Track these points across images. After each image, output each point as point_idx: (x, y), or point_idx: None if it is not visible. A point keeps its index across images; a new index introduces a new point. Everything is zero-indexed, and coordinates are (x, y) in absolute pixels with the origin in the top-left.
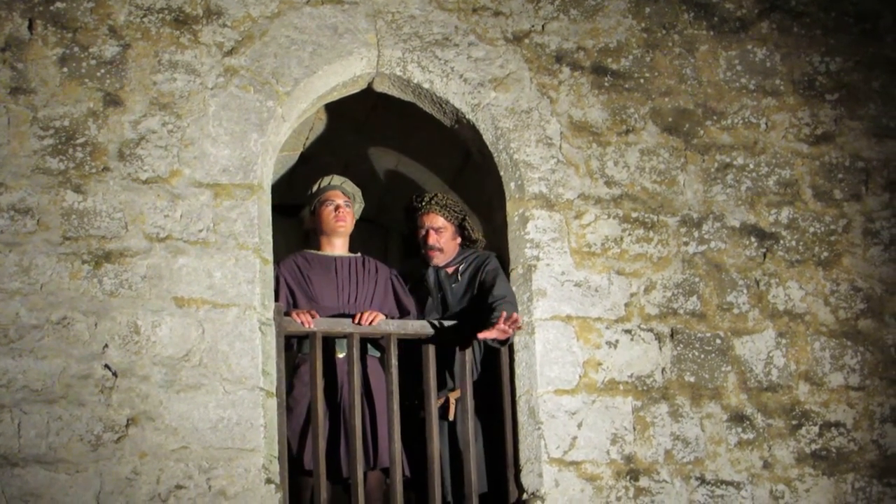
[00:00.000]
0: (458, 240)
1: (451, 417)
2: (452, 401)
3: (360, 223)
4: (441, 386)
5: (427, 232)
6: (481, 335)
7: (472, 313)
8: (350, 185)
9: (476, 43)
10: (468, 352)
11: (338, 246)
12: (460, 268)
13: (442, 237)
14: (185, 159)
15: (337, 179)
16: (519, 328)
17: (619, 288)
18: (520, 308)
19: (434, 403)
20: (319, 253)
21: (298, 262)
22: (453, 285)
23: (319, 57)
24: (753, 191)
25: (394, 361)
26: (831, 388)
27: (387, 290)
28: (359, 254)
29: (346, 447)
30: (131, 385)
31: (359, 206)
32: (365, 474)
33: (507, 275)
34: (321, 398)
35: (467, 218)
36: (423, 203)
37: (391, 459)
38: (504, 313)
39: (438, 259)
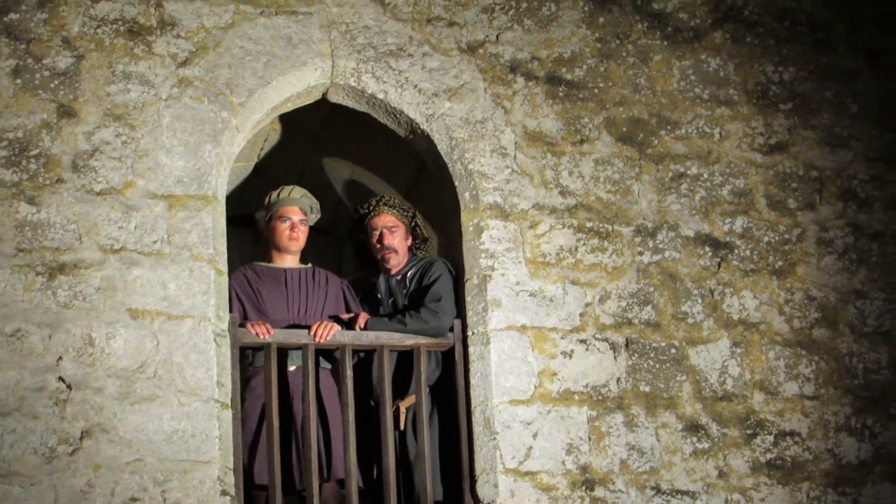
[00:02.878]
0: (409, 241)
1: (401, 427)
2: (403, 409)
3: (315, 233)
4: (395, 395)
5: (381, 233)
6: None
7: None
8: (309, 199)
9: (430, 53)
10: (423, 360)
11: (288, 259)
12: (408, 274)
13: (395, 237)
14: (139, 170)
15: (297, 192)
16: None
17: (574, 298)
18: (474, 318)
19: (389, 414)
20: (269, 265)
21: (248, 274)
22: (403, 291)
23: (274, 68)
24: (707, 200)
25: (349, 372)
26: (786, 398)
27: (338, 300)
28: (309, 265)
29: (299, 459)
30: (86, 397)
31: (315, 216)
32: (320, 486)
33: (462, 283)
34: (276, 409)
35: (417, 214)
36: (372, 206)
37: (346, 470)
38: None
39: (394, 261)
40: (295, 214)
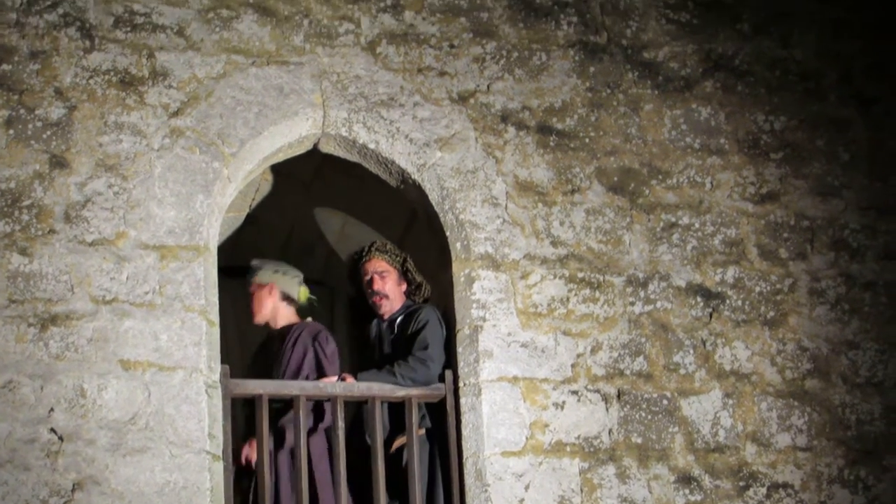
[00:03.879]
0: (404, 286)
1: (392, 449)
2: (397, 444)
3: (308, 284)
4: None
5: (371, 278)
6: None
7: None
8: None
9: (421, 103)
10: (414, 411)
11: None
12: (398, 320)
13: (386, 282)
14: (131, 221)
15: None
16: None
17: (565, 348)
18: (466, 369)
19: (381, 464)
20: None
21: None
22: (390, 337)
23: (265, 118)
24: (699, 250)
25: (340, 423)
26: (778, 449)
27: (306, 356)
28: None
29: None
30: (77, 449)
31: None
32: None
33: (454, 334)
34: (266, 461)
35: (408, 259)
36: (365, 252)
37: None
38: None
39: (385, 307)
40: (251, 287)
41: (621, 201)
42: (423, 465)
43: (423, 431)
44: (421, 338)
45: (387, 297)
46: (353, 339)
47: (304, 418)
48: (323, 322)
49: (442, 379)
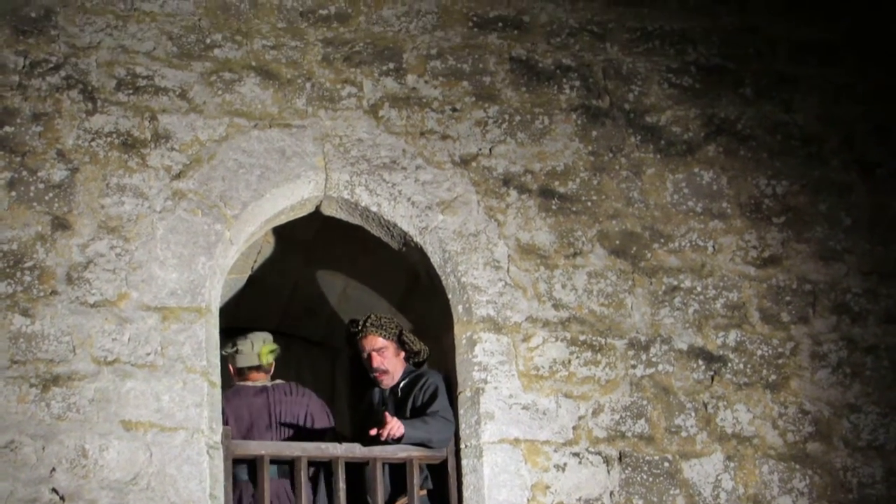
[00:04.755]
0: (402, 354)
1: None
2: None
3: (309, 346)
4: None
5: (369, 356)
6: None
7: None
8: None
9: (423, 166)
10: (416, 473)
11: None
12: (401, 385)
13: (385, 357)
14: (133, 283)
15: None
16: (387, 436)
17: (567, 411)
18: (467, 431)
19: None
20: None
21: None
22: (394, 402)
23: (267, 180)
24: (701, 314)
25: (341, 485)
26: None
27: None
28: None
29: None
30: None
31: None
32: None
33: (455, 397)
34: None
35: (404, 331)
36: (360, 328)
37: None
38: (387, 416)
39: (387, 381)
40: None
41: (623, 265)
42: None
43: (424, 492)
44: (441, 401)
45: (387, 371)
46: (355, 398)
47: (305, 479)
48: (325, 384)
49: None
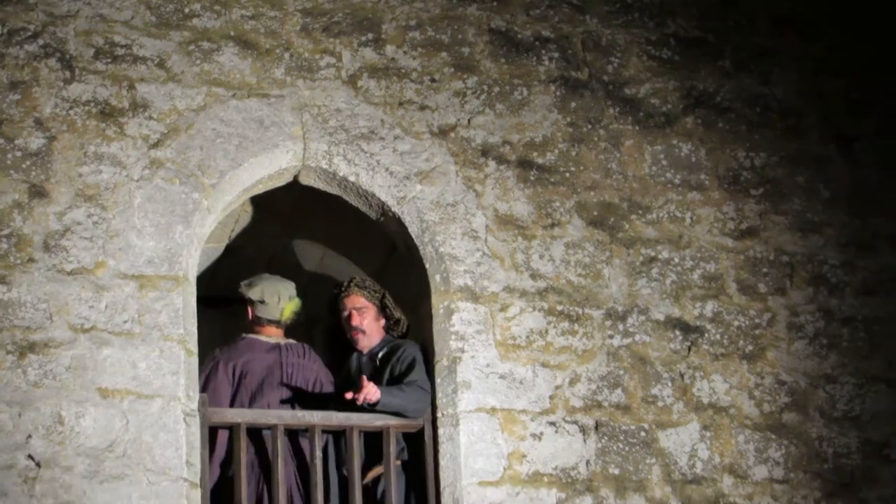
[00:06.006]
0: (382, 322)
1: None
2: (372, 474)
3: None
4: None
5: (350, 313)
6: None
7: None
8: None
9: (402, 136)
10: (392, 441)
11: None
12: (379, 354)
13: (364, 318)
14: (110, 251)
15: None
16: (363, 400)
17: (543, 380)
18: (444, 400)
19: (359, 495)
20: None
21: None
22: (370, 370)
23: (245, 150)
24: (678, 284)
25: (318, 453)
26: (755, 481)
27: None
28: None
29: None
30: (55, 475)
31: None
32: None
33: (432, 366)
34: (244, 489)
35: (387, 296)
36: (344, 287)
37: None
38: (364, 380)
39: (363, 342)
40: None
41: (601, 235)
42: (400, 496)
43: (399, 463)
44: (418, 371)
45: (364, 332)
46: (331, 370)
47: (283, 447)
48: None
49: None
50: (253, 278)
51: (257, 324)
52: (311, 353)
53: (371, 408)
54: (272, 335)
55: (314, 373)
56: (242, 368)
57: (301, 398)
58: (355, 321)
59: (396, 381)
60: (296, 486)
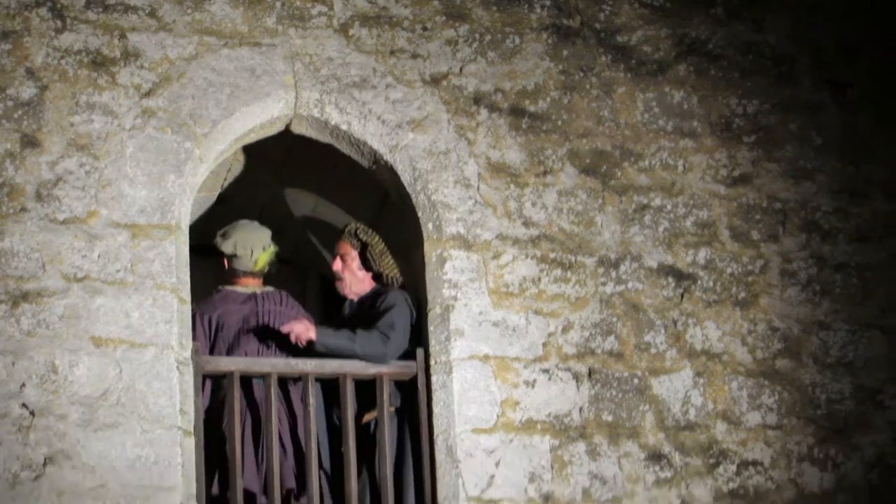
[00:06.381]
0: (368, 272)
1: (362, 422)
2: (367, 417)
3: (279, 263)
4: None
5: (335, 258)
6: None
7: None
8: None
9: (394, 85)
10: (386, 389)
11: None
12: (365, 301)
13: (346, 265)
14: (102, 200)
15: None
16: (295, 339)
17: (536, 328)
18: (437, 348)
19: (352, 443)
20: None
21: None
22: (350, 314)
23: (237, 99)
24: (671, 232)
25: (311, 401)
26: (749, 427)
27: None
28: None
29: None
30: (49, 424)
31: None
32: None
33: (424, 314)
34: (238, 437)
35: (370, 247)
36: (340, 233)
37: (309, 496)
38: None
39: (342, 288)
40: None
41: (593, 183)
42: (393, 442)
43: (393, 409)
44: (387, 318)
45: (341, 279)
46: (326, 317)
47: (276, 394)
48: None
49: (413, 357)
50: (228, 227)
51: (233, 275)
52: (289, 299)
53: (309, 347)
54: (249, 285)
55: (291, 319)
56: (218, 321)
57: (279, 345)
58: (335, 266)
59: (371, 325)
60: (286, 433)
